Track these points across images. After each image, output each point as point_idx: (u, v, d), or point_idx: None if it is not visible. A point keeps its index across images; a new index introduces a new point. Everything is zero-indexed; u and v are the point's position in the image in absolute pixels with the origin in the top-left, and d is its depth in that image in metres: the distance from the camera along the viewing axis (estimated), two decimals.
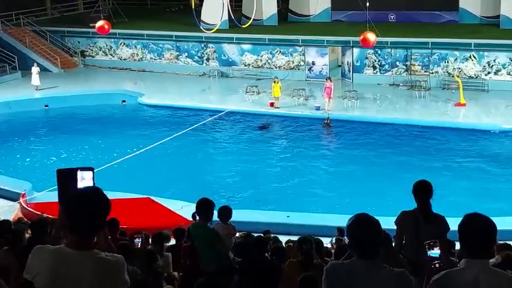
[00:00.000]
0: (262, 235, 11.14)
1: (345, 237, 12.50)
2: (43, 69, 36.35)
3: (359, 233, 4.19)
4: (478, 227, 4.01)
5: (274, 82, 29.18)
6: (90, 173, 4.87)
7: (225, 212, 10.18)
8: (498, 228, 4.07)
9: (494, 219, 4.09)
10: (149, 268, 8.25)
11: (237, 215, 10.88)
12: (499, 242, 10.57)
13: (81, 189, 3.92)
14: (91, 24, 36.83)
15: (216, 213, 9.38)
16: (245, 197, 20.56)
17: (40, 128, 29.44)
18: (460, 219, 4.16)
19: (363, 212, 4.32)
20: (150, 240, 10.99)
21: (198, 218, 8.39)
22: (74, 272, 3.66)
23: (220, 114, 28.99)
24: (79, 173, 4.83)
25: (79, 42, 39.75)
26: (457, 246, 9.12)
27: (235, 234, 10.97)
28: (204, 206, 8.20)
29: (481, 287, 3.94)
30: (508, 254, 9.29)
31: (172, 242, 11.76)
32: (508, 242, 11.25)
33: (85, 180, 4.81)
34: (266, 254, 8.62)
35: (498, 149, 24.28)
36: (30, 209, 18.27)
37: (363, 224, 4.20)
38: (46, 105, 32.03)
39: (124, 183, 20.51)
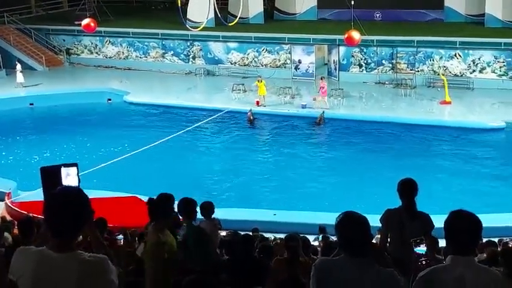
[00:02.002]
0: (250, 233, 11.18)
1: (328, 235, 12.58)
2: (28, 68, 36.21)
3: (347, 232, 4.19)
4: (463, 223, 4.04)
5: (258, 81, 29.20)
6: (74, 169, 4.87)
7: (208, 208, 10.19)
8: (484, 225, 4.10)
9: (479, 217, 4.13)
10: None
11: (224, 214, 10.92)
12: (483, 239, 10.67)
13: (58, 191, 3.86)
14: (76, 22, 36.69)
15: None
16: (232, 196, 20.57)
17: (25, 126, 29.27)
18: (445, 216, 4.19)
19: (351, 210, 4.34)
20: (137, 238, 10.98)
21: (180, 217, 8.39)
22: (57, 274, 3.62)
23: (206, 112, 28.95)
24: (63, 170, 4.81)
25: (64, 40, 39.56)
26: (441, 243, 9.19)
27: (221, 228, 11.01)
28: (185, 205, 8.18)
29: (466, 284, 3.98)
30: (493, 250, 9.37)
31: None
32: (492, 239, 11.38)
33: (70, 176, 4.80)
34: (253, 252, 8.63)
35: (483, 146, 24.41)
36: (16, 208, 18.19)
37: (351, 222, 4.21)
38: (31, 104, 31.87)
39: (111, 182, 20.46)
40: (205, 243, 8.24)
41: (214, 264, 7.96)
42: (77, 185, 4.85)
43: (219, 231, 10.70)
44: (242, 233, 10.72)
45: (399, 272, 4.52)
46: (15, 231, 9.90)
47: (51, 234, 3.72)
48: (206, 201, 10.49)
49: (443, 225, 4.14)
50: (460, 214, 4.10)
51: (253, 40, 34.83)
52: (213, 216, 10.36)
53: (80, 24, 33.16)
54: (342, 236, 4.24)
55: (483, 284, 4.00)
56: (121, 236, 10.84)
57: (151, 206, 7.20)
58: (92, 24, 31.91)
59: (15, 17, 40.15)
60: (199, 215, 8.94)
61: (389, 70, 32.18)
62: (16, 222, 11.16)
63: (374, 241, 11.46)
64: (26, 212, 15.91)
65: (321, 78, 29.79)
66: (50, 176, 4.98)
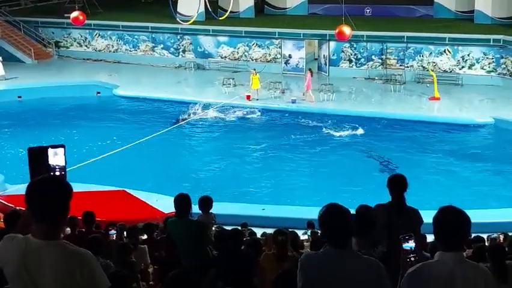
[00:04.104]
0: (239, 228, 11.17)
1: (316, 230, 12.60)
2: (17, 60, 36.01)
3: (330, 222, 4.26)
4: (452, 219, 4.05)
5: (253, 74, 29.17)
6: (62, 150, 4.83)
7: (207, 202, 10.25)
8: (472, 221, 4.11)
9: (467, 212, 4.13)
10: (123, 261, 8.20)
11: (213, 208, 10.90)
12: (472, 234, 10.71)
13: (40, 178, 3.87)
14: (66, 15, 36.47)
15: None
16: (221, 190, 20.48)
17: (13, 119, 29.04)
18: (434, 212, 4.19)
19: (335, 202, 4.39)
20: (125, 232, 10.95)
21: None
22: (41, 261, 3.64)
23: (196, 106, 28.88)
24: (50, 150, 4.79)
25: (53, 33, 39.32)
26: (429, 239, 9.21)
27: (216, 223, 11.07)
28: (183, 202, 8.11)
29: (455, 280, 3.99)
30: (481, 246, 9.40)
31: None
32: (481, 235, 11.42)
33: (57, 155, 4.78)
34: (242, 247, 8.62)
35: (471, 142, 24.52)
36: (3, 202, 18.08)
37: (335, 213, 4.28)
38: (19, 97, 31.66)
39: (99, 176, 20.38)
40: (205, 236, 8.25)
41: (207, 260, 7.94)
42: (64, 164, 4.83)
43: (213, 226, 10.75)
44: (230, 227, 10.72)
45: (388, 267, 4.54)
46: (1, 224, 9.84)
47: (34, 219, 3.72)
48: (205, 195, 10.53)
49: (432, 221, 4.15)
50: (448, 210, 4.11)
51: (243, 34, 34.77)
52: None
53: (69, 16, 32.94)
54: (325, 226, 4.31)
55: (472, 279, 4.01)
56: (113, 232, 10.83)
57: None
58: (80, 17, 31.64)
59: (4, 9, 39.87)
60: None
61: (379, 66, 32.23)
62: (2, 215, 11.10)
63: None
64: (13, 206, 15.81)
65: (308, 70, 29.88)
66: (37, 156, 4.97)
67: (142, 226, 11.55)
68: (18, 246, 3.71)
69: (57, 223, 3.77)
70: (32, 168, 4.79)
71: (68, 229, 10.50)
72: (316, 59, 34.72)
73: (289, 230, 10.05)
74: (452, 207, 4.13)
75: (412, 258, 4.72)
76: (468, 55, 30.62)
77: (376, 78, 32.03)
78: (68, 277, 3.62)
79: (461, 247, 4.14)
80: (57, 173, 4.84)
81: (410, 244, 4.84)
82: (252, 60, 34.58)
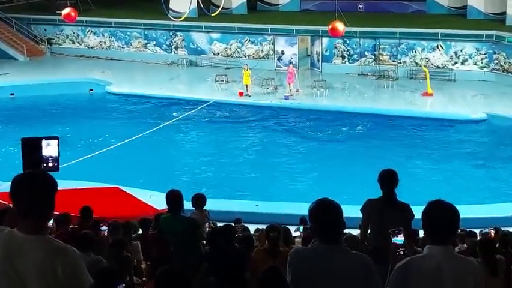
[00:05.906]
0: (232, 224, 11.18)
1: (309, 226, 12.62)
2: (9, 57, 35.89)
3: (321, 217, 4.26)
4: (441, 213, 4.07)
5: (244, 69, 29.17)
6: (55, 141, 4.84)
7: (200, 200, 10.27)
8: (465, 216, 4.13)
9: (460, 207, 4.15)
10: (117, 256, 8.21)
11: (207, 204, 10.94)
12: (466, 229, 10.76)
13: (25, 172, 3.86)
14: (58, 12, 36.35)
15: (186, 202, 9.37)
16: (214, 186, 20.53)
17: (5, 116, 28.97)
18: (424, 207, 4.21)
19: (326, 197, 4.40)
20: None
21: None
22: (27, 257, 3.61)
23: (189, 103, 28.87)
24: (44, 142, 4.80)
25: (45, 29, 39.19)
26: (421, 234, 9.24)
27: (209, 220, 11.10)
28: (175, 198, 8.10)
29: (443, 273, 4.00)
30: (473, 241, 9.45)
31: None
32: (474, 230, 11.46)
33: (50, 146, 4.79)
34: (234, 243, 8.64)
35: (464, 138, 24.57)
36: None
37: (325, 208, 4.28)
38: (12, 94, 31.58)
39: (92, 173, 20.33)
40: (198, 233, 8.25)
41: (199, 257, 7.95)
42: (57, 155, 4.83)
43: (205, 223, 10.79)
44: (222, 224, 10.75)
45: (379, 261, 4.55)
46: None
47: (19, 215, 3.70)
48: (198, 192, 10.54)
49: (421, 215, 4.17)
50: (437, 204, 4.13)
51: (236, 31, 34.73)
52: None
53: (61, 13, 32.82)
54: (316, 221, 4.31)
55: (460, 273, 4.03)
56: (104, 228, 10.84)
57: None
58: (72, 14, 31.49)
59: None
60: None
61: (372, 61, 32.25)
62: None
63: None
64: (6, 203, 15.75)
65: (290, 64, 30.14)
66: (31, 146, 4.98)
67: (134, 223, 11.51)
68: (3, 241, 3.69)
69: (45, 217, 3.76)
70: (25, 158, 4.79)
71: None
72: (309, 55, 34.68)
73: (282, 226, 10.07)
74: (441, 201, 4.14)
75: (401, 252, 4.74)
76: (461, 51, 30.66)
77: (369, 74, 32.05)
78: (50, 274, 3.60)
79: (449, 241, 4.17)
80: (50, 164, 4.84)
81: (400, 238, 4.87)
82: (245, 56, 34.55)
